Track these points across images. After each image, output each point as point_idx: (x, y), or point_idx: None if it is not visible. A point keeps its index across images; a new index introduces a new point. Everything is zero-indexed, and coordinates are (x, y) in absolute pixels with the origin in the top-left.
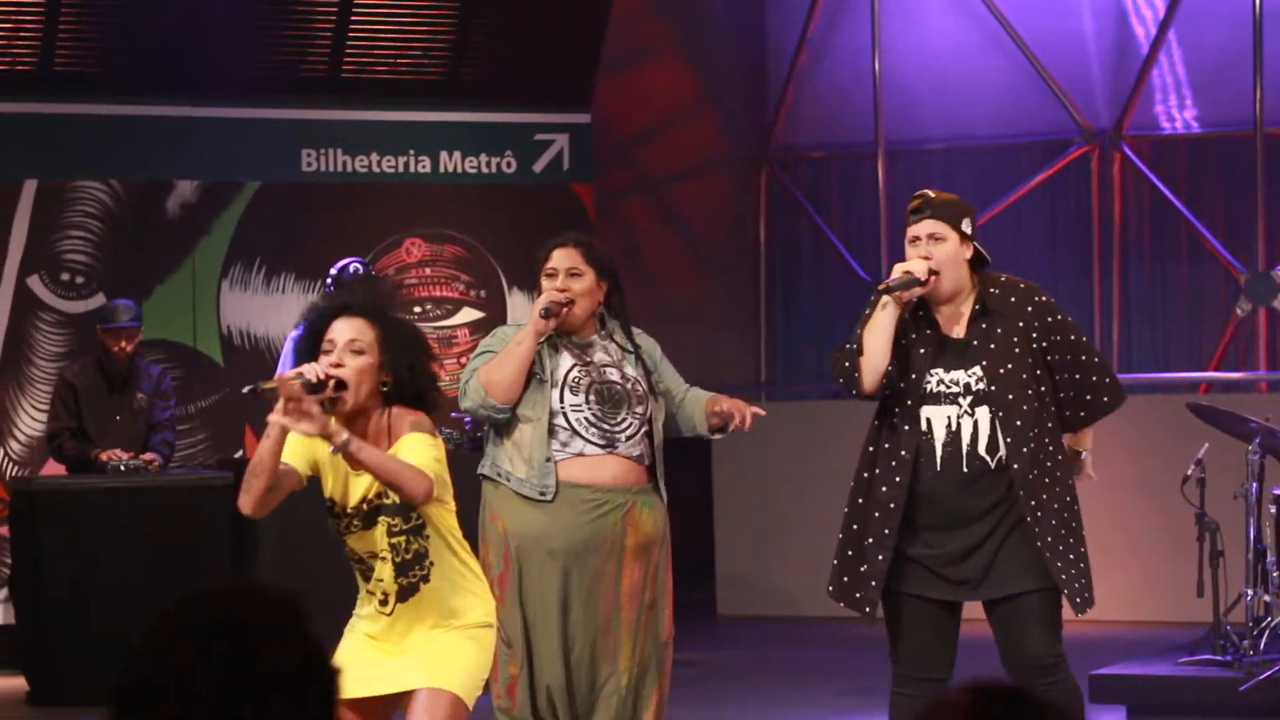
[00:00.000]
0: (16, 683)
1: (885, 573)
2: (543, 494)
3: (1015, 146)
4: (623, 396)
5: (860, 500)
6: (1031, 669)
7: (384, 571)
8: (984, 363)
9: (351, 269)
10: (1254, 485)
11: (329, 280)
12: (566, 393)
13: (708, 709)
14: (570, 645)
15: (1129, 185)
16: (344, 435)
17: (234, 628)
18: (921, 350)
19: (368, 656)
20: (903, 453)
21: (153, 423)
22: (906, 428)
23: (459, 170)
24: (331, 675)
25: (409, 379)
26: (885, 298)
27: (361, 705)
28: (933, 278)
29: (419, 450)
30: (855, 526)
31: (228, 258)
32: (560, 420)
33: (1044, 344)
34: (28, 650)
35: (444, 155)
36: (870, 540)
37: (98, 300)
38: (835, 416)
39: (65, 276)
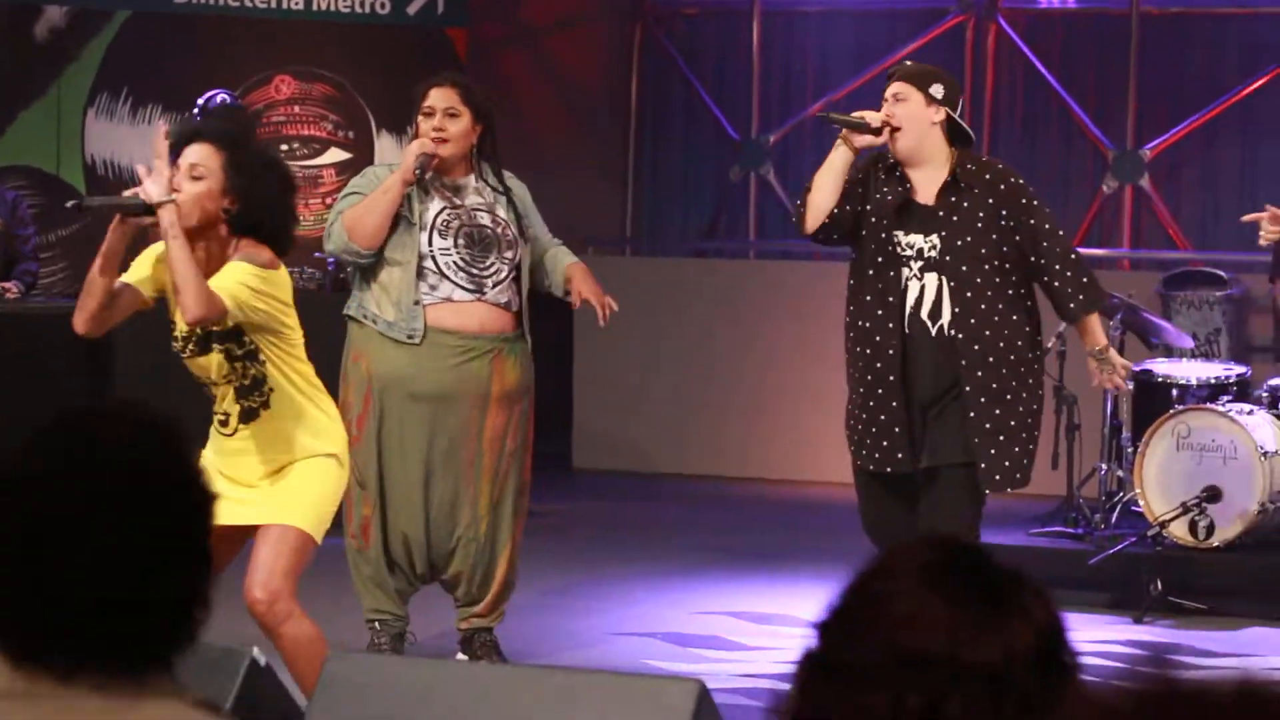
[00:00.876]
0: None
1: (894, 424)
2: (410, 337)
3: (891, 13)
4: (492, 240)
5: (854, 362)
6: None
7: (226, 395)
8: (943, 232)
9: (218, 100)
10: None
11: (195, 111)
12: (435, 236)
13: (560, 560)
14: (430, 491)
15: (1003, 58)
16: (170, 219)
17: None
18: (890, 208)
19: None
20: (885, 307)
21: (14, 254)
22: (879, 286)
23: (333, 8)
24: (208, 494)
25: (255, 207)
26: (839, 140)
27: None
28: (888, 130)
29: (228, 274)
30: (859, 389)
31: (94, 86)
32: (429, 263)
33: (1012, 224)
34: None
35: None
36: (869, 400)
37: None
38: (698, 274)
39: None
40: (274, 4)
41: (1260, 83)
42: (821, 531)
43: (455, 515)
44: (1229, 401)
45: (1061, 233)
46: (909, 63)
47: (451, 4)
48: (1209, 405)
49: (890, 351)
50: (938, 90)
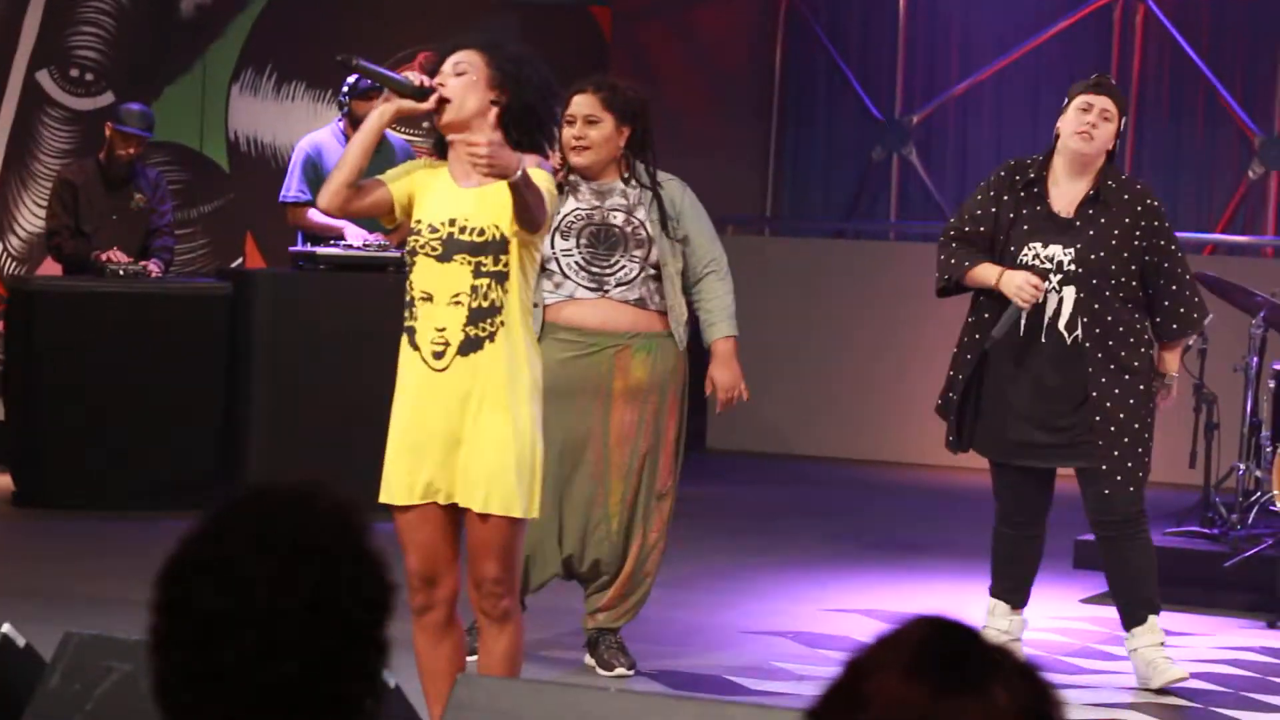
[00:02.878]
0: (3, 481)
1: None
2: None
3: None
4: (619, 239)
5: (963, 357)
6: (1108, 522)
7: (452, 318)
8: (1079, 245)
9: (365, 83)
10: (1254, 359)
11: (344, 90)
12: (558, 237)
13: (691, 548)
14: (563, 487)
15: (1150, 39)
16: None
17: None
18: (1025, 226)
19: (407, 456)
20: (986, 315)
21: (152, 227)
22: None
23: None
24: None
25: (524, 93)
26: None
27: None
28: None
29: (540, 179)
30: (960, 378)
31: (239, 63)
32: (552, 264)
33: (1144, 244)
34: (16, 449)
35: None
36: (964, 391)
37: (106, 98)
38: (838, 255)
39: (75, 73)
40: None
41: None
42: (957, 520)
43: (588, 510)
44: None
45: (1183, 255)
46: (1096, 76)
47: None
48: None
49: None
50: (1124, 124)
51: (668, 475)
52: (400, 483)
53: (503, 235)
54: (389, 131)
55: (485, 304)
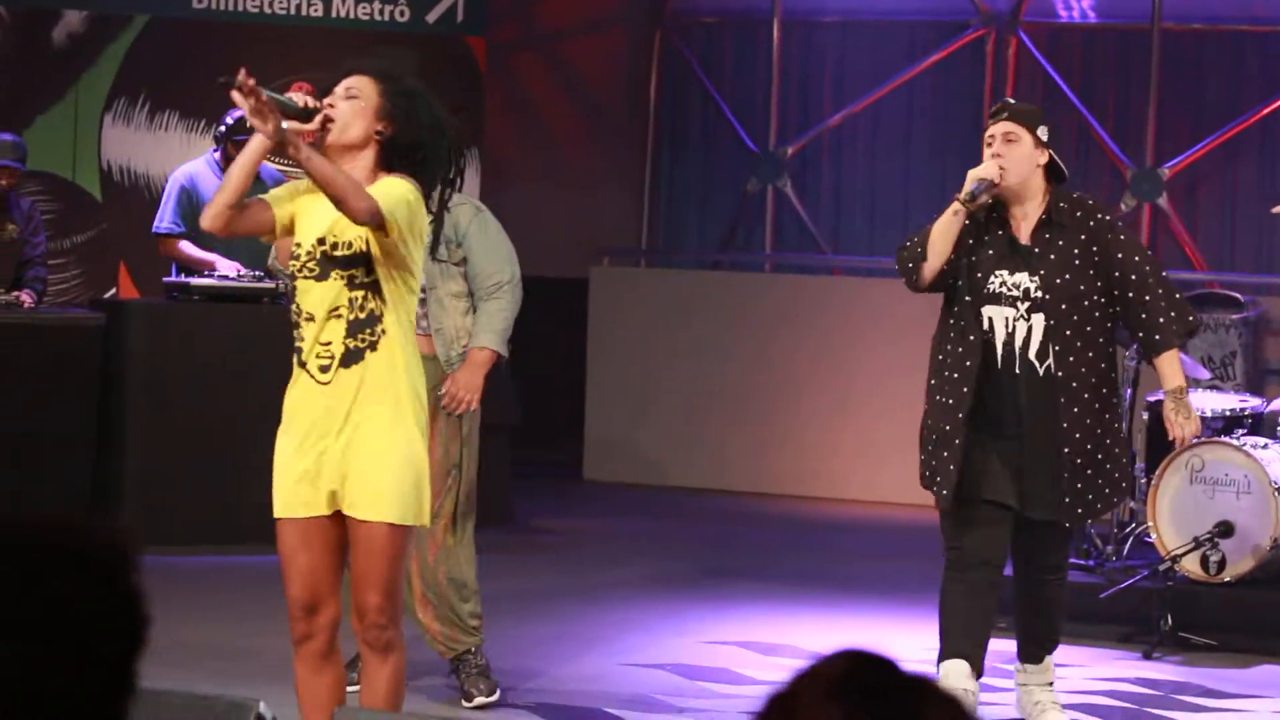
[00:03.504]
0: None
1: (960, 463)
2: (449, 361)
3: (912, 24)
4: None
5: (935, 395)
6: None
7: (333, 331)
8: (1042, 271)
9: (239, 116)
10: (1128, 391)
11: (221, 129)
12: None
13: (568, 580)
14: None
15: (1023, 71)
16: (295, 136)
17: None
18: (990, 251)
19: (297, 468)
20: (966, 345)
21: (24, 258)
22: (970, 323)
23: (351, 15)
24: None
25: (404, 128)
26: (956, 205)
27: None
28: (1000, 182)
29: (389, 184)
30: (930, 420)
31: (112, 92)
32: None
33: (1104, 259)
34: None
35: (337, 0)
36: (945, 430)
37: None
38: (714, 286)
39: None
40: (292, 10)
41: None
42: (832, 552)
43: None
44: (1244, 435)
45: (1151, 257)
46: (1012, 101)
47: (471, 11)
48: (1224, 439)
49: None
50: (1044, 133)
51: (435, 496)
52: (289, 496)
53: (368, 246)
54: (265, 164)
55: (363, 315)
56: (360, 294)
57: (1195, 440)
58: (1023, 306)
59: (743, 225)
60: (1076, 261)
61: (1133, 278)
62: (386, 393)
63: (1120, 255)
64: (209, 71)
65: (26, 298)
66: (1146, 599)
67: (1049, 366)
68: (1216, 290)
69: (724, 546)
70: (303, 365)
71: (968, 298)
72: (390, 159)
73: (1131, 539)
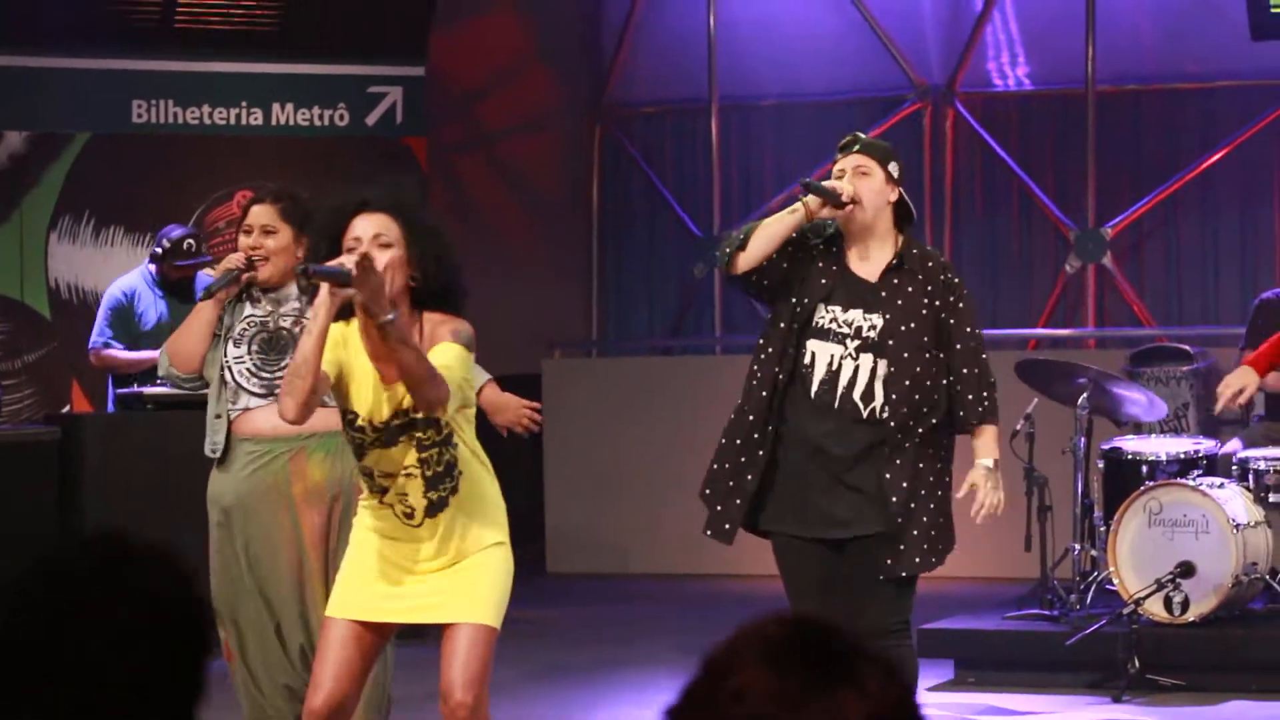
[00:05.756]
0: None
1: (751, 496)
2: (214, 451)
3: (849, 103)
4: (289, 341)
5: (739, 427)
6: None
7: (411, 487)
8: (888, 316)
9: (175, 234)
10: (1082, 440)
11: (158, 250)
12: (230, 346)
13: (535, 667)
14: (272, 602)
15: (961, 142)
16: (392, 312)
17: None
18: (822, 281)
19: (375, 575)
20: (779, 376)
21: None
22: (789, 354)
23: (291, 123)
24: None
25: (436, 273)
26: (798, 203)
27: (370, 624)
28: (851, 206)
29: (446, 355)
30: (729, 458)
31: (56, 210)
32: (226, 374)
33: (941, 315)
34: None
35: (276, 107)
36: (742, 462)
37: None
38: (664, 372)
39: None
40: (233, 120)
41: (1218, 156)
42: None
43: (309, 622)
44: (1199, 476)
45: (979, 337)
46: (863, 135)
47: (409, 113)
48: (1179, 480)
49: (771, 426)
50: (895, 169)
51: None
52: (355, 598)
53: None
54: (200, 274)
55: (440, 468)
56: (432, 453)
57: (1149, 485)
58: (852, 345)
59: (691, 310)
60: (923, 311)
61: (958, 348)
62: (479, 525)
63: (953, 322)
64: (152, 185)
65: None
66: (1112, 643)
67: (874, 409)
68: (1165, 344)
69: (691, 627)
70: (383, 504)
71: (793, 326)
72: (423, 300)
73: (1094, 586)
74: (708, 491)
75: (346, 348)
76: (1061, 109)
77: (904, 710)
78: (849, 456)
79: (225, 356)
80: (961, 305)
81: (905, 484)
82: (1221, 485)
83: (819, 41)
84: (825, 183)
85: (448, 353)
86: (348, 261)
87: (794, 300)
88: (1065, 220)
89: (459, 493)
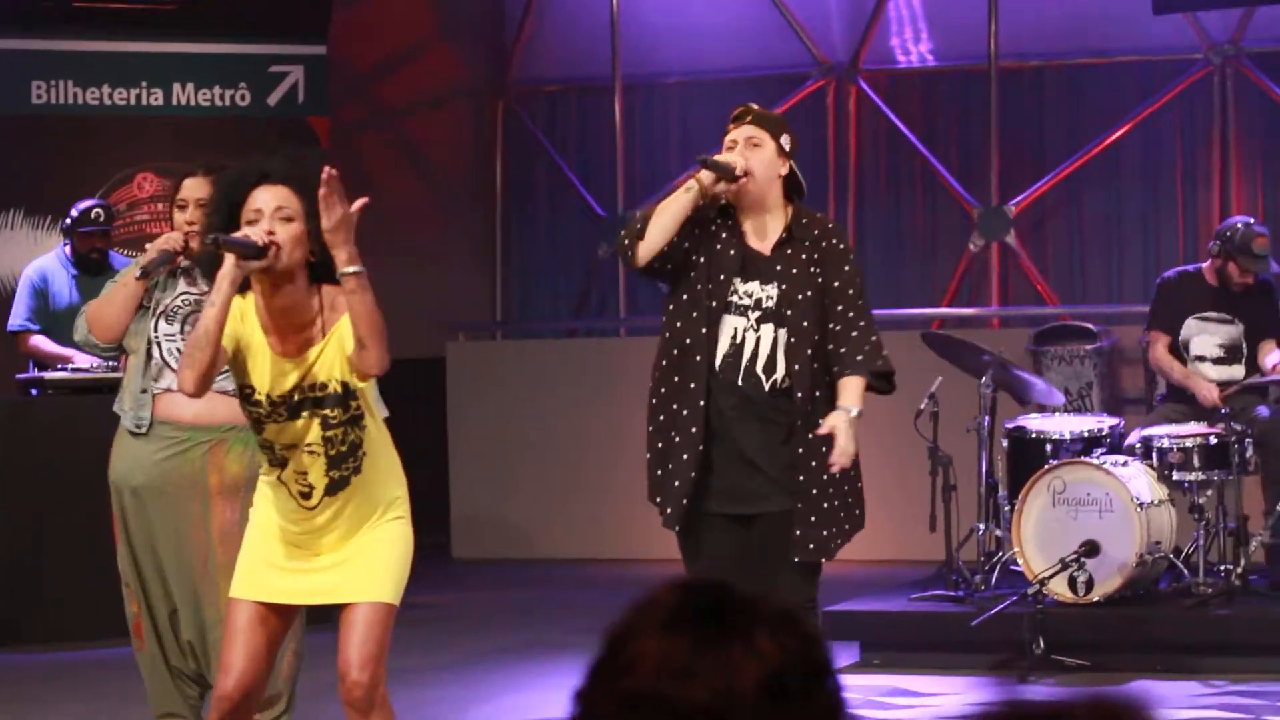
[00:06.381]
0: None
1: (691, 481)
2: (138, 426)
3: (753, 80)
4: None
5: (660, 413)
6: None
7: (312, 465)
8: (783, 286)
9: (92, 210)
10: (986, 419)
11: (67, 221)
12: (161, 322)
13: (443, 653)
14: (169, 586)
15: (865, 119)
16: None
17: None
18: (731, 253)
19: (278, 554)
20: (697, 358)
21: None
22: (704, 333)
23: (192, 103)
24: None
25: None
26: (691, 182)
27: (273, 606)
28: (744, 179)
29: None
30: (659, 443)
31: None
32: (155, 350)
33: (822, 280)
34: None
35: (177, 87)
36: (674, 448)
37: None
38: (570, 354)
39: None
40: (133, 100)
41: (1121, 132)
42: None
43: (202, 611)
44: (1103, 454)
45: (863, 296)
46: (756, 107)
47: (312, 92)
48: (1083, 459)
49: (701, 401)
50: (787, 142)
51: None
52: (254, 580)
53: (344, 388)
54: (114, 253)
55: (344, 448)
56: (337, 432)
57: (1053, 463)
58: (753, 316)
59: (595, 291)
60: (817, 280)
61: (839, 307)
62: (378, 503)
63: (836, 283)
64: (52, 166)
65: None
66: (1017, 624)
67: (775, 381)
68: (1069, 323)
69: (596, 611)
70: (280, 481)
71: (711, 303)
72: (320, 275)
73: (999, 567)
74: (655, 496)
75: (243, 322)
76: (964, 86)
77: (803, 665)
78: (754, 431)
79: (155, 332)
80: (846, 268)
81: (815, 461)
82: (1125, 464)
83: (723, 19)
84: (718, 157)
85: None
86: (253, 234)
87: (704, 277)
88: (969, 198)
89: (361, 473)
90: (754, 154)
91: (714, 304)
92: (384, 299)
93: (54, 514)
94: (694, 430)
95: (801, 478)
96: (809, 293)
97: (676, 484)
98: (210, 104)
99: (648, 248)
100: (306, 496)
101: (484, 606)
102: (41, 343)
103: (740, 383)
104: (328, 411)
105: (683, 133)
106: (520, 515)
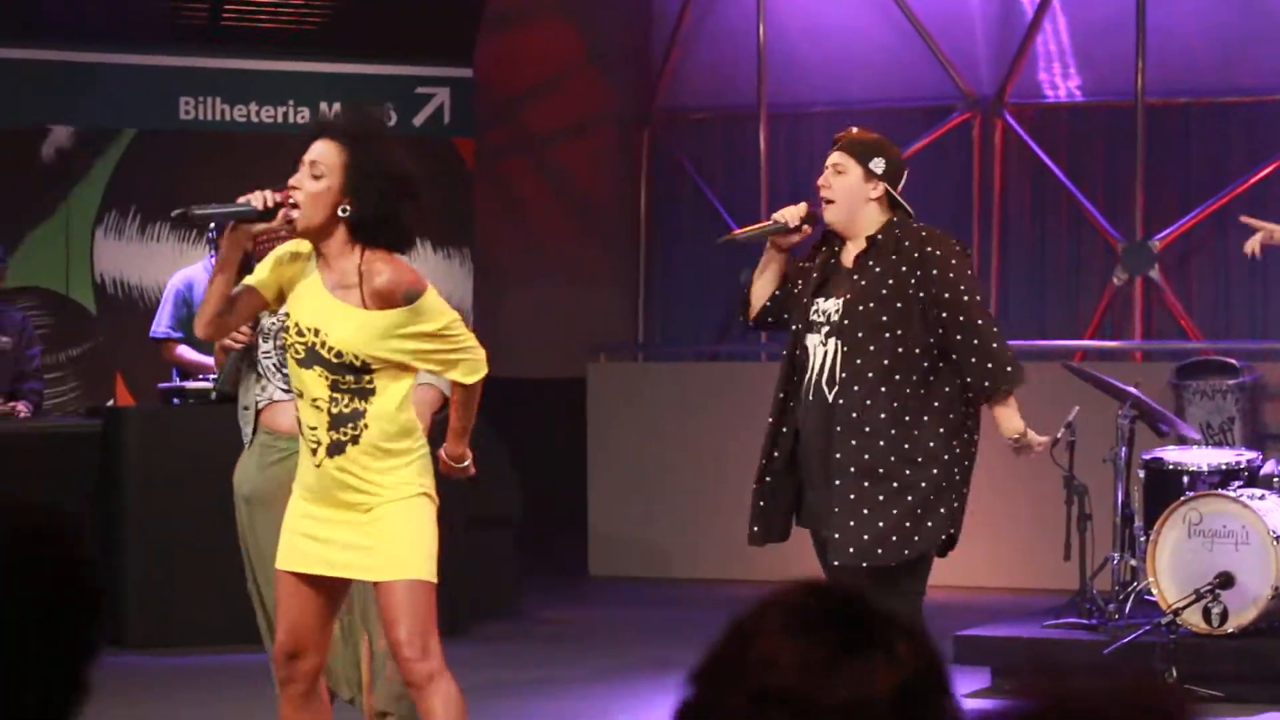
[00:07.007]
0: None
1: (784, 497)
2: (247, 441)
3: (898, 111)
4: None
5: (768, 435)
6: None
7: (317, 419)
8: (848, 296)
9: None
10: (1123, 449)
11: (212, 232)
12: (260, 339)
13: (580, 668)
14: (263, 594)
15: (1010, 153)
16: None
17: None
18: (815, 275)
19: (304, 523)
20: (793, 377)
21: (20, 371)
22: (794, 353)
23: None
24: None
25: (373, 205)
26: (766, 247)
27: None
28: (796, 232)
29: (439, 321)
30: (763, 460)
31: (103, 205)
32: (259, 366)
33: (922, 294)
34: None
35: (323, 106)
36: (762, 464)
37: None
38: (711, 378)
39: None
40: (280, 119)
41: (1268, 170)
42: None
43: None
44: (1240, 487)
45: (978, 303)
46: (855, 130)
47: (458, 114)
48: (1219, 491)
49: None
50: (878, 165)
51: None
52: (289, 549)
53: (361, 364)
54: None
55: (346, 410)
56: (344, 396)
57: (1189, 495)
58: (824, 331)
59: (738, 317)
60: (885, 290)
61: (952, 320)
62: (385, 475)
63: (934, 291)
64: (198, 181)
65: (23, 408)
66: (1150, 653)
67: (835, 394)
68: (1212, 357)
69: None
70: (300, 432)
71: (796, 326)
72: (359, 233)
73: (1133, 596)
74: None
75: (292, 263)
76: (1111, 121)
77: (933, 676)
78: (826, 447)
79: (258, 351)
80: (939, 273)
81: (853, 468)
82: (1262, 497)
83: (869, 50)
84: (759, 225)
85: (432, 317)
86: (254, 198)
87: (795, 302)
88: (1113, 232)
89: (359, 445)
90: (837, 181)
91: (797, 326)
92: (527, 319)
93: (189, 522)
94: (776, 454)
95: (837, 482)
96: (872, 304)
97: (761, 503)
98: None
99: (754, 308)
100: (314, 453)
101: (619, 624)
102: (184, 351)
103: (812, 398)
104: (337, 376)
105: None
106: (658, 535)
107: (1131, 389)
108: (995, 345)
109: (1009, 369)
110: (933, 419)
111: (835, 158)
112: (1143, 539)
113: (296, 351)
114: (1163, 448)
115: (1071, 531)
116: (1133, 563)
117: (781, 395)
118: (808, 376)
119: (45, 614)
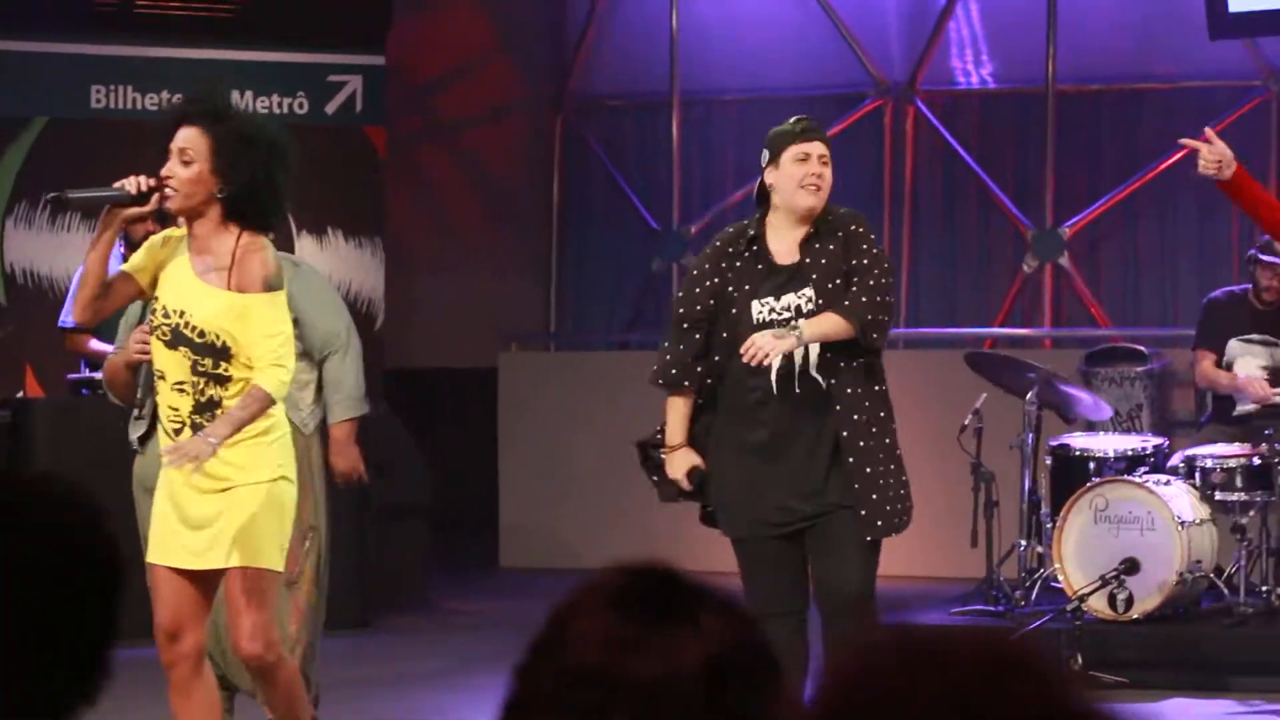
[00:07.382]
0: None
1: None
2: (135, 445)
3: (810, 99)
4: None
5: (721, 448)
6: (840, 603)
7: (181, 402)
8: (814, 283)
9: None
10: (1030, 435)
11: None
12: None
13: (488, 658)
14: None
15: (922, 140)
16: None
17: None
18: (747, 286)
19: (169, 515)
20: (753, 386)
21: None
22: (741, 362)
23: (251, 110)
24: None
25: (245, 184)
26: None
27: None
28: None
29: (272, 323)
30: (725, 471)
31: (13, 195)
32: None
33: (849, 265)
34: None
35: (235, 94)
36: (732, 477)
37: None
38: (621, 367)
39: None
40: None
41: (1177, 158)
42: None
43: (215, 618)
44: (1146, 473)
45: (884, 272)
46: (812, 120)
47: (370, 101)
48: (1126, 477)
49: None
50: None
51: (294, 562)
52: (158, 543)
53: (223, 344)
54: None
55: (204, 399)
56: (202, 380)
57: (1095, 481)
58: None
59: (650, 305)
60: (841, 265)
61: (857, 280)
62: (241, 459)
63: (855, 262)
64: (110, 170)
65: None
66: (1056, 640)
67: (821, 380)
68: (1120, 344)
69: None
70: (156, 418)
71: (741, 336)
72: (232, 211)
73: (1040, 583)
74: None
75: (163, 247)
76: (1022, 108)
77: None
78: (816, 433)
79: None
80: (871, 249)
81: (861, 442)
82: (1168, 483)
83: (781, 37)
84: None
85: (273, 320)
86: (129, 183)
87: (731, 313)
88: (1023, 219)
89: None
90: (824, 171)
91: (745, 334)
92: (438, 307)
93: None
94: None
95: (851, 459)
96: (838, 281)
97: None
98: (268, 111)
99: (693, 385)
100: (177, 433)
101: (527, 613)
102: (93, 343)
103: (798, 390)
104: (198, 358)
105: (740, 149)
106: (569, 526)
107: (1037, 368)
108: (879, 300)
109: (870, 317)
110: (885, 391)
111: (824, 150)
112: (1049, 525)
113: (163, 334)
114: (1069, 434)
115: (978, 518)
116: (1039, 549)
117: (741, 400)
118: (775, 373)
119: (76, 588)
